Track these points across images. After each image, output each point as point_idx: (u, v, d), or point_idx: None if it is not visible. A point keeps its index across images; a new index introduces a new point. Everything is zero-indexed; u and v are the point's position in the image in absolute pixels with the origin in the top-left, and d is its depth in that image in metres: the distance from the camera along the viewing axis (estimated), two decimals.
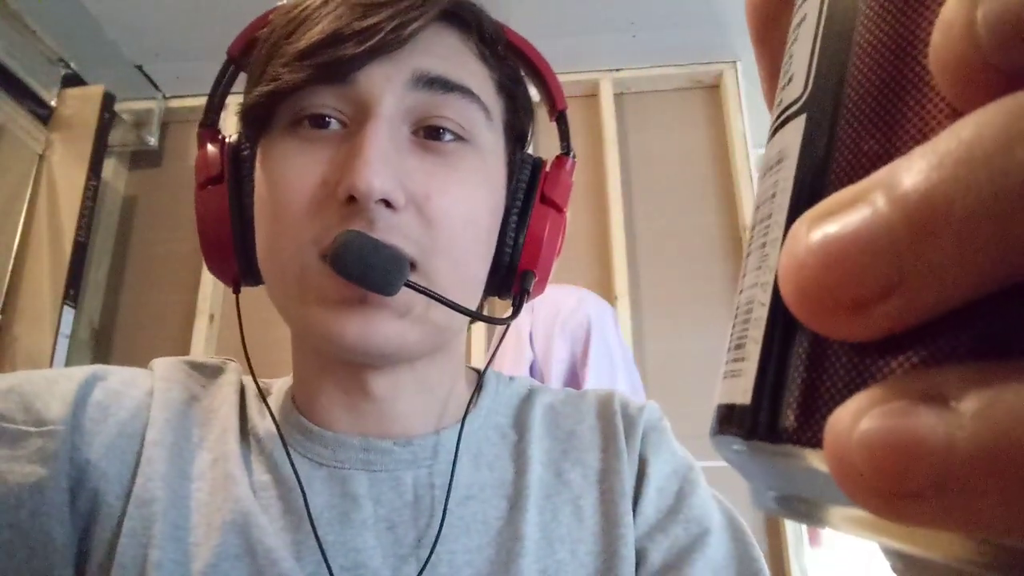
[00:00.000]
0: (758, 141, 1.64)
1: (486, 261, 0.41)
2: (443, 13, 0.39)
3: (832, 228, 0.09)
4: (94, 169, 1.60)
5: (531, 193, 0.43)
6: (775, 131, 0.14)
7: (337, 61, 0.35)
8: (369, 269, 0.33)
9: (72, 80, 1.66)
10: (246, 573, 0.36)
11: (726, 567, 0.40)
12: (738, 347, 0.13)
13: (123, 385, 0.41)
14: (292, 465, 0.39)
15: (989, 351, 0.09)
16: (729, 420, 0.12)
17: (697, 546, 0.40)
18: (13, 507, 0.34)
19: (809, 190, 0.12)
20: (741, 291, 0.14)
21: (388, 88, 0.36)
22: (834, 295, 0.09)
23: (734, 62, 1.68)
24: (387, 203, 0.35)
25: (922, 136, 0.10)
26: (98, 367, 0.41)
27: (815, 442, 0.10)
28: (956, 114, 0.09)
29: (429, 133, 0.38)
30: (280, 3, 0.41)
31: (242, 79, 0.46)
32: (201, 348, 1.57)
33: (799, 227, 0.10)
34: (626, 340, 1.42)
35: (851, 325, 0.09)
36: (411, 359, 0.40)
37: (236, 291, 0.44)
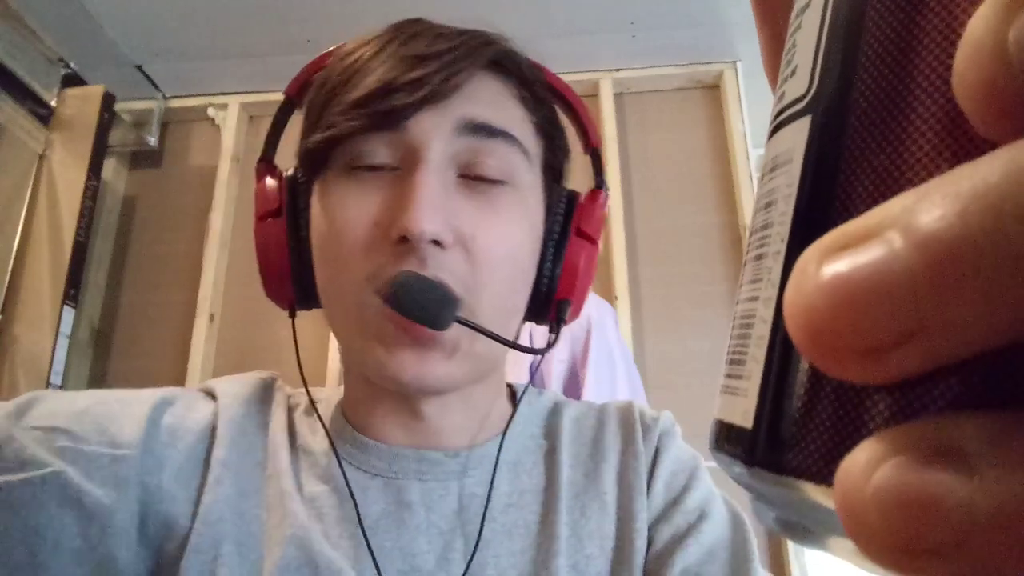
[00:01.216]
0: (758, 141, 1.64)
1: (525, 293, 0.44)
2: (487, 63, 0.42)
3: (844, 267, 0.09)
4: (94, 169, 1.60)
5: (567, 226, 0.46)
6: (776, 128, 0.13)
7: (390, 110, 0.38)
8: (423, 307, 0.36)
9: (72, 80, 1.66)
10: None
11: (721, 549, 0.42)
12: (738, 362, 0.12)
13: (188, 410, 0.42)
14: (345, 478, 0.41)
15: (1008, 400, 0.08)
16: (729, 440, 0.12)
17: (692, 531, 0.42)
18: (86, 521, 0.35)
19: (814, 204, 0.11)
20: (739, 301, 0.13)
21: (436, 135, 0.39)
22: (846, 341, 0.09)
23: (734, 62, 1.68)
24: (436, 242, 0.37)
25: (941, 158, 0.09)
26: (166, 391, 0.43)
27: (819, 478, 0.10)
28: (983, 139, 0.09)
29: (474, 176, 0.40)
30: (336, 47, 0.44)
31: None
32: (201, 348, 1.57)
33: (808, 261, 0.09)
34: (626, 340, 1.42)
35: (863, 370, 0.09)
36: (459, 389, 0.43)
37: (292, 315, 0.46)
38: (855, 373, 0.09)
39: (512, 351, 0.42)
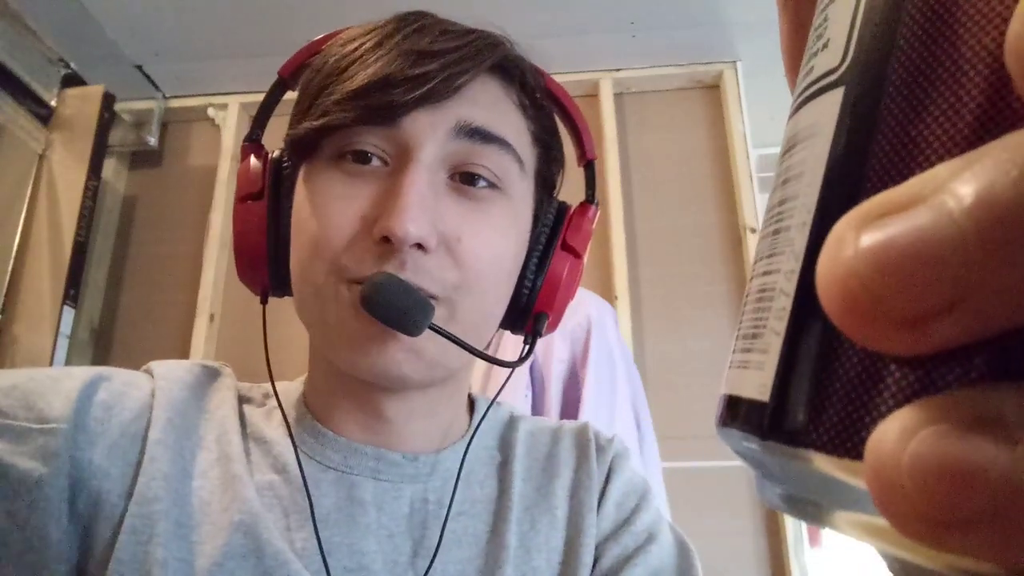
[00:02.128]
0: (758, 141, 1.64)
1: (505, 300, 0.43)
2: (490, 66, 0.41)
3: (888, 232, 0.08)
4: (94, 169, 1.60)
5: (553, 239, 0.45)
6: (803, 102, 0.12)
7: (386, 105, 0.37)
8: (398, 312, 0.35)
9: (72, 80, 1.66)
10: (252, 572, 0.36)
11: (669, 570, 0.44)
12: (753, 336, 0.12)
13: (126, 386, 0.41)
14: (300, 468, 0.40)
15: None
16: (740, 415, 0.12)
17: (640, 551, 0.43)
18: (11, 497, 0.34)
19: (844, 175, 0.11)
20: (754, 277, 0.13)
21: (431, 135, 0.38)
22: (887, 309, 0.08)
23: (734, 62, 1.68)
24: (420, 245, 0.37)
25: (984, 128, 0.09)
26: (102, 368, 0.41)
27: (841, 451, 0.09)
28: None
29: (465, 179, 0.40)
30: (335, 31, 0.43)
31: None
32: (201, 348, 1.57)
33: (846, 228, 0.09)
34: (626, 340, 1.42)
35: (901, 340, 0.08)
36: (421, 388, 0.42)
37: (264, 301, 0.46)
38: (892, 343, 0.08)
39: (500, 354, 0.41)
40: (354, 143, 0.39)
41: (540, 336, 0.45)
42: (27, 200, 1.57)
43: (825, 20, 0.12)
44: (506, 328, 0.46)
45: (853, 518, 0.10)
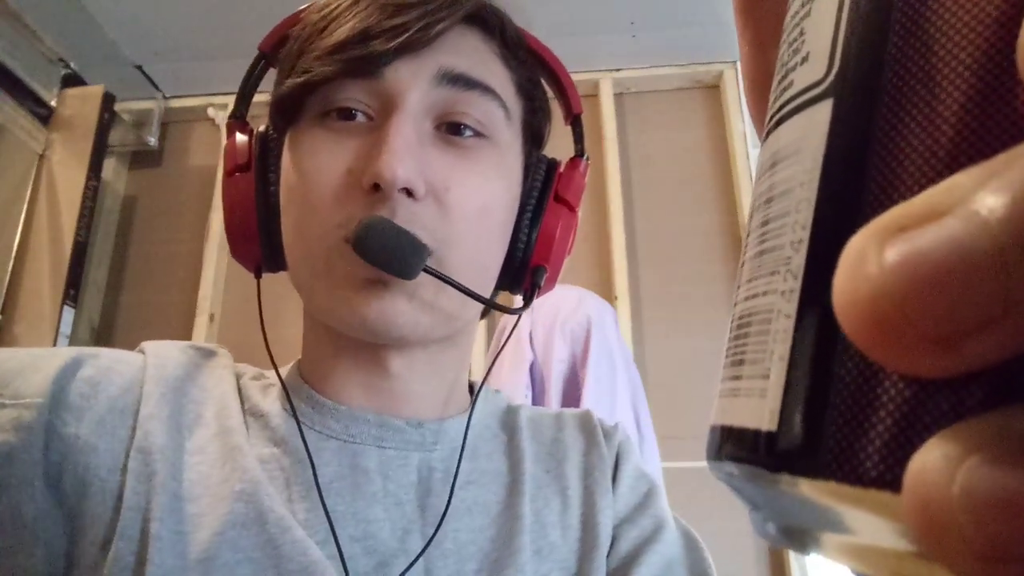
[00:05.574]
0: (758, 141, 1.64)
1: (500, 253, 0.42)
2: (469, 16, 0.41)
3: (916, 246, 0.08)
4: (94, 169, 1.60)
5: (545, 191, 0.45)
6: (784, 118, 0.12)
7: (367, 56, 0.37)
8: (390, 253, 0.35)
9: (72, 80, 1.66)
10: (254, 541, 0.36)
11: (679, 563, 0.44)
12: (745, 363, 0.11)
13: (114, 362, 0.40)
14: (302, 436, 0.39)
15: None
16: (741, 446, 0.11)
17: (655, 538, 0.43)
18: None
19: (842, 188, 0.10)
20: (742, 300, 0.12)
21: (414, 83, 0.38)
22: (919, 328, 0.08)
23: (734, 62, 1.69)
24: (408, 192, 0.36)
25: (993, 136, 0.08)
26: (87, 348, 0.41)
27: (867, 481, 0.09)
28: None
29: (450, 128, 0.39)
30: (310, 2, 0.43)
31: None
32: None
33: (866, 243, 0.08)
34: (626, 340, 1.42)
35: (933, 361, 0.08)
36: (424, 342, 0.41)
37: (258, 276, 0.45)
38: (924, 364, 0.08)
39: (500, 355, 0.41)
40: (338, 100, 0.38)
41: (540, 290, 0.44)
42: (27, 200, 1.57)
43: (801, 33, 0.12)
44: (505, 288, 0.45)
45: (840, 540, 0.10)
